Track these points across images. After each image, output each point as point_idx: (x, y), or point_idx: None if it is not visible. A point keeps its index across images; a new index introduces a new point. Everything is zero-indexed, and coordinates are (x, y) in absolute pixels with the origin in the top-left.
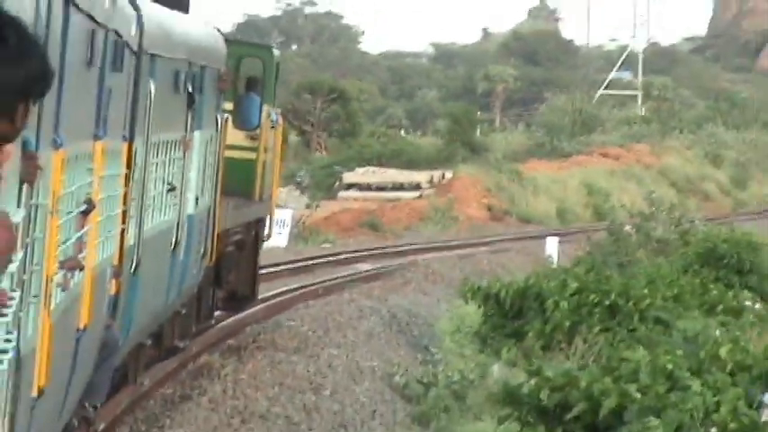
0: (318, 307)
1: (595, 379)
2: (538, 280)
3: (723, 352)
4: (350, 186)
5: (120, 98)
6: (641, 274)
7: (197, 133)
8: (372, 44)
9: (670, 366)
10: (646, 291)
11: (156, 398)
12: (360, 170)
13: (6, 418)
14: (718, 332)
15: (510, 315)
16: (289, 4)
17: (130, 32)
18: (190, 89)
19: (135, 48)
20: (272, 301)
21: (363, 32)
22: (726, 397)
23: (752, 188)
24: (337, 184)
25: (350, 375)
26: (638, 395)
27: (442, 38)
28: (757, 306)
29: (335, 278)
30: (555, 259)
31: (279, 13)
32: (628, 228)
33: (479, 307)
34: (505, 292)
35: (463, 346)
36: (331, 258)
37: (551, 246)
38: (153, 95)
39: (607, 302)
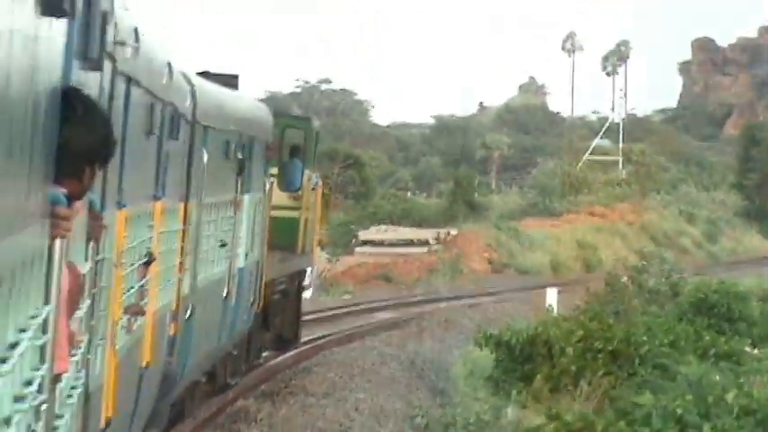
0: (343, 354)
1: (610, 423)
2: (545, 328)
3: (730, 397)
4: (365, 243)
5: (177, 163)
6: (640, 322)
7: (246, 195)
8: (381, 116)
9: (680, 411)
10: (645, 337)
11: None
12: (374, 228)
13: None
14: (718, 377)
15: (520, 360)
16: (306, 82)
17: (185, 105)
18: (240, 156)
19: (189, 118)
20: (301, 349)
21: (374, 107)
22: None
23: (722, 242)
24: (354, 240)
25: (375, 418)
26: None
27: (443, 110)
28: (755, 351)
29: (357, 327)
30: (555, 308)
31: (298, 89)
32: (624, 279)
33: (492, 352)
34: (516, 339)
35: (477, 389)
36: (351, 308)
37: (551, 296)
38: (206, 161)
39: (610, 348)
